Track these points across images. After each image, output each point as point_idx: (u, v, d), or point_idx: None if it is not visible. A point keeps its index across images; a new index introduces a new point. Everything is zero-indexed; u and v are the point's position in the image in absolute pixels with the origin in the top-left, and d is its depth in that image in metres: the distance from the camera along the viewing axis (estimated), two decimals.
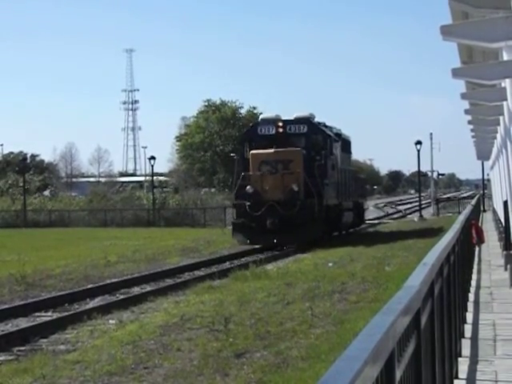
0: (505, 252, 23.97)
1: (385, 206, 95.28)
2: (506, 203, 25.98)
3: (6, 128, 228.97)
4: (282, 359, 12.81)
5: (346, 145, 42.99)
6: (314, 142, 35.28)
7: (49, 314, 19.10)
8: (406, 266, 23.42)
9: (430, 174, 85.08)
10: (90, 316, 17.93)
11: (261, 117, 37.86)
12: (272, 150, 33.65)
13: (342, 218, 39.02)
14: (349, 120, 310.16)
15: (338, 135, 40.16)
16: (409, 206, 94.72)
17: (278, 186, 33.14)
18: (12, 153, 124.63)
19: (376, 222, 62.54)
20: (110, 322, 18.13)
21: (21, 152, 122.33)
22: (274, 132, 34.93)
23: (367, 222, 59.71)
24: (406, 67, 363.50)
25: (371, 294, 19.47)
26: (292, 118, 36.69)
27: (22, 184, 78.86)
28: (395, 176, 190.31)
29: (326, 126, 38.15)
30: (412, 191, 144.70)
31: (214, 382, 11.64)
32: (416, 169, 73.78)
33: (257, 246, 35.06)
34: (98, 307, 19.24)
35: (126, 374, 12.36)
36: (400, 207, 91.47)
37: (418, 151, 65.27)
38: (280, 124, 35.08)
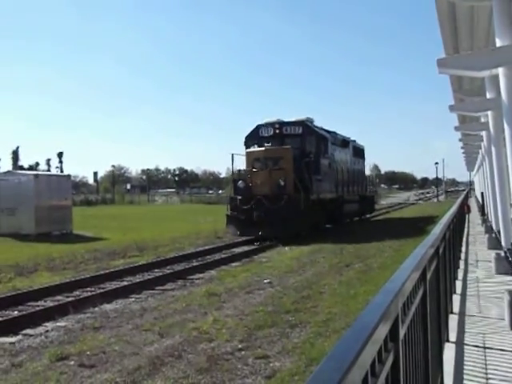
0: (481, 217, 26.20)
1: (421, 193, 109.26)
2: (482, 194, 27.94)
3: (175, 151, 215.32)
4: (368, 267, 13.48)
5: (357, 151, 34.52)
6: (308, 143, 26.00)
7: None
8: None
9: (442, 178, 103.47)
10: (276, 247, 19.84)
11: (263, 121, 27.56)
12: (263, 148, 25.01)
13: (343, 208, 29.82)
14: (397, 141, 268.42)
15: (345, 141, 31.45)
16: (432, 194, 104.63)
17: (267, 181, 23.74)
18: (173, 169, 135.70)
19: (415, 202, 71.27)
20: (286, 248, 19.35)
21: (180, 168, 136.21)
22: (271, 133, 26.23)
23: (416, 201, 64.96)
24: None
25: (411, 239, 18.86)
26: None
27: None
28: (424, 179, 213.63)
29: (329, 132, 28.82)
30: (433, 187, 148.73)
31: (335, 277, 12.24)
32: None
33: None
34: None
35: (293, 272, 13.19)
36: (428, 195, 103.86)
37: (437, 167, 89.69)
38: (277, 126, 26.34)
